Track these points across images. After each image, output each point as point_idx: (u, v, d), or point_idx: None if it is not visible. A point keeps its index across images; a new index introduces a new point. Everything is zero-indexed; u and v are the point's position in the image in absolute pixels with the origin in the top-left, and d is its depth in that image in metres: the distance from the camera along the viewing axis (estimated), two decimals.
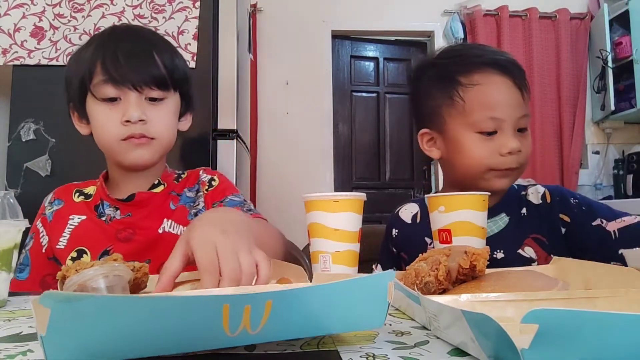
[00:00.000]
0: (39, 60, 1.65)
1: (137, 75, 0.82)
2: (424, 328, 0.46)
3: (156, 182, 0.93)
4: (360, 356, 0.37)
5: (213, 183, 0.95)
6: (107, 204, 0.90)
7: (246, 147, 2.03)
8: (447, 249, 0.58)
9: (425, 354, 0.38)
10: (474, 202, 0.70)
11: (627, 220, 0.82)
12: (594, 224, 0.83)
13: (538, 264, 0.83)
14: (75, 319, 0.30)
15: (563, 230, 0.86)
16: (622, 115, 3.40)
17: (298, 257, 1.24)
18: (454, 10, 3.60)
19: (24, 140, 1.63)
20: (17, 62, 1.65)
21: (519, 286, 0.50)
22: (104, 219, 0.89)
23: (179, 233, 0.89)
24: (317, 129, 3.55)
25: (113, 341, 0.32)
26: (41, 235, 0.92)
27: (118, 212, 0.90)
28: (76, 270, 0.54)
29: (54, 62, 1.65)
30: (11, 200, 0.68)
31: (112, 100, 0.83)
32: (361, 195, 0.73)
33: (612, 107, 3.39)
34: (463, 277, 0.56)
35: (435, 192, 0.85)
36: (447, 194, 0.74)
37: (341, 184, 3.70)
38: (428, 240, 0.94)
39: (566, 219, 0.86)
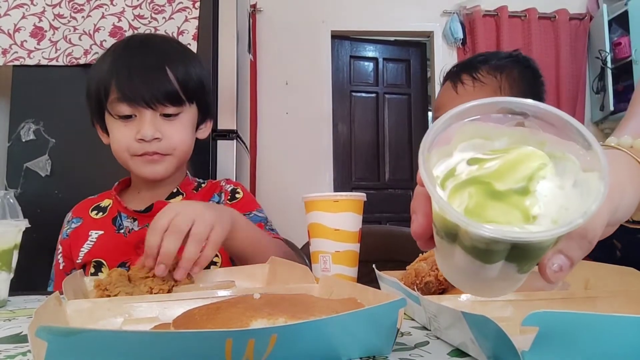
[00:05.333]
0: (39, 60, 1.65)
1: (150, 93, 0.82)
2: (424, 328, 0.46)
3: (175, 190, 0.93)
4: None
5: (237, 195, 0.96)
6: (125, 216, 0.91)
7: (246, 147, 2.03)
8: None
9: (425, 355, 0.38)
10: None
11: None
12: None
13: None
14: (72, 352, 0.30)
15: None
16: (621, 116, 3.37)
17: (298, 257, 1.24)
18: (454, 11, 3.59)
19: (24, 140, 1.62)
20: (17, 63, 1.64)
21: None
22: (122, 231, 0.89)
23: None
24: (316, 129, 3.54)
25: None
26: (59, 253, 0.93)
27: (136, 223, 0.90)
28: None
29: (54, 63, 1.64)
30: (11, 200, 0.68)
31: (127, 117, 0.84)
32: (361, 196, 0.73)
33: (611, 108, 3.39)
34: None
35: None
36: None
37: (341, 184, 3.70)
38: None
39: None
